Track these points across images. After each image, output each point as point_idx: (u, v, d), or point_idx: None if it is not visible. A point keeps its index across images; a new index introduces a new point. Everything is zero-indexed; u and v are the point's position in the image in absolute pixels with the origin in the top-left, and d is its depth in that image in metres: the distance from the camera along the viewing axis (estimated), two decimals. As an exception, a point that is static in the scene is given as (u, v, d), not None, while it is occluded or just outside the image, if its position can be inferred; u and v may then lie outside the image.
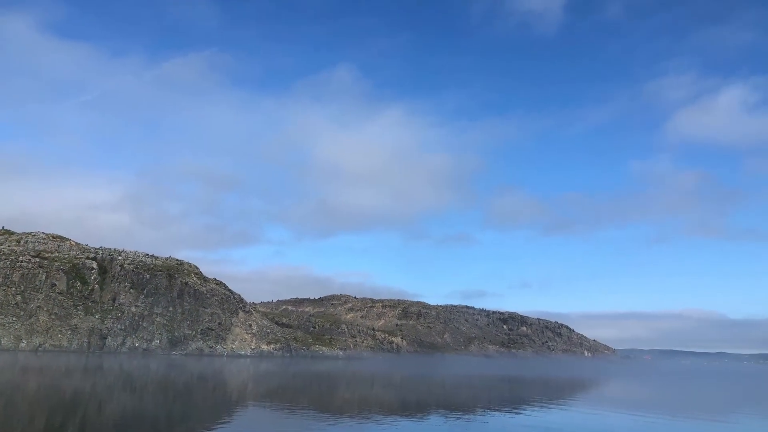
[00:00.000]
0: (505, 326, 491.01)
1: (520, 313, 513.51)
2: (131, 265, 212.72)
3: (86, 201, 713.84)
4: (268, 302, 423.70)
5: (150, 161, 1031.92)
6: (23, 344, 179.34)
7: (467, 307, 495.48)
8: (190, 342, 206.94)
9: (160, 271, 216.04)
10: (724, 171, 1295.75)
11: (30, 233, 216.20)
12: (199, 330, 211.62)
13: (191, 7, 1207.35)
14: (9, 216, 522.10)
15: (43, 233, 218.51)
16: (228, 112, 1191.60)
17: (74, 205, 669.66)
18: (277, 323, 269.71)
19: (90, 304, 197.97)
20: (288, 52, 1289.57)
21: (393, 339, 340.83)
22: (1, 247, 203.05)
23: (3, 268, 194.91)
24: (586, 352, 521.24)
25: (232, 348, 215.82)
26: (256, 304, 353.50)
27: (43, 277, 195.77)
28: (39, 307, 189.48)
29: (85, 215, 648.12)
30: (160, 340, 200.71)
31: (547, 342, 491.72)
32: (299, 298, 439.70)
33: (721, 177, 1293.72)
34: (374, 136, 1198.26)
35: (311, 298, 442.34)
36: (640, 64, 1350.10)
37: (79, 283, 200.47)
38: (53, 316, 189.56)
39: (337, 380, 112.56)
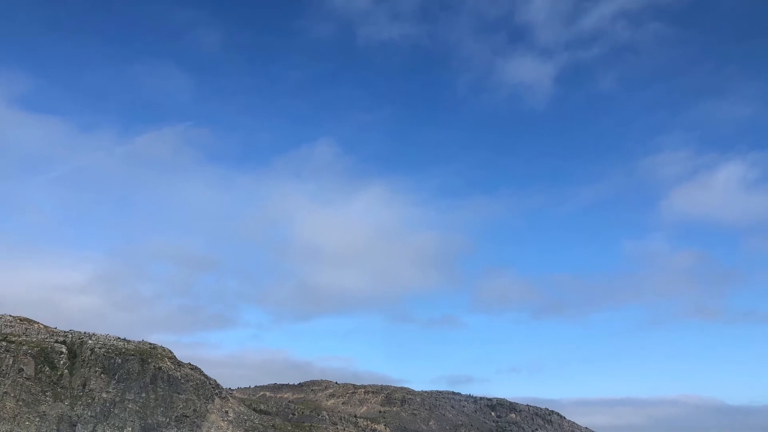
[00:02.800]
0: (493, 413, 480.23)
1: (509, 400, 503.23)
2: (102, 349, 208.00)
3: (55, 282, 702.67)
4: (246, 388, 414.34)
5: (122, 240, 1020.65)
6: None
7: (454, 393, 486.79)
8: (163, 430, 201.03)
9: (133, 355, 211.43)
10: (721, 250, 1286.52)
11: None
12: (173, 417, 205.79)
13: (165, 79, 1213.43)
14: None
15: (10, 316, 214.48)
16: (204, 189, 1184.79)
17: (42, 286, 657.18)
18: (254, 410, 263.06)
19: (59, 389, 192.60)
20: (266, 126, 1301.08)
21: (376, 426, 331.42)
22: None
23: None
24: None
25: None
26: (232, 389, 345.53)
27: (10, 361, 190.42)
28: (6, 393, 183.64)
29: (54, 297, 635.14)
30: (133, 428, 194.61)
31: (537, 429, 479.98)
32: (278, 383, 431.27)
33: (718, 257, 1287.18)
34: (356, 214, 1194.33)
35: (290, 383, 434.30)
36: (634, 139, 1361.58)
37: (47, 368, 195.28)
38: (21, 403, 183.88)
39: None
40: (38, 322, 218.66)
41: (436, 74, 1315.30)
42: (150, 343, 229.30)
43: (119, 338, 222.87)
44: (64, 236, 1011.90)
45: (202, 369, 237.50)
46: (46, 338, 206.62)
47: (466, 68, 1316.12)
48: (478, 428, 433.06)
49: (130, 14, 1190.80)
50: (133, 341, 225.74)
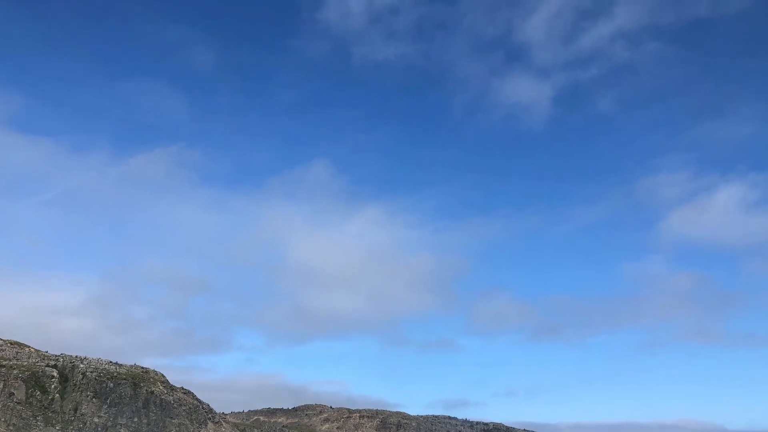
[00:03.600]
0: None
1: (506, 424, 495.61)
2: (94, 373, 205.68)
3: (46, 305, 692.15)
4: (239, 412, 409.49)
5: (114, 263, 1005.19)
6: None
7: (450, 417, 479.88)
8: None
9: (125, 379, 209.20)
10: (722, 273, 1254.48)
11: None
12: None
13: (157, 99, 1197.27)
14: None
15: (1, 339, 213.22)
16: (197, 210, 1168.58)
17: (33, 310, 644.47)
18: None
19: (50, 414, 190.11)
20: (260, 147, 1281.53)
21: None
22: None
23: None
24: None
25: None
26: (226, 414, 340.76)
27: (0, 385, 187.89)
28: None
29: (45, 320, 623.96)
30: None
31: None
32: (272, 408, 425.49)
33: (718, 279, 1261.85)
34: (351, 236, 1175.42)
35: (284, 407, 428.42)
36: (632, 160, 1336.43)
37: (38, 392, 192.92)
38: (11, 428, 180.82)
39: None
40: (29, 346, 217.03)
41: (431, 94, 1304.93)
42: (142, 367, 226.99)
43: (111, 362, 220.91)
44: (55, 258, 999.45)
45: (195, 393, 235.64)
46: (37, 362, 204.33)
47: (463, 88, 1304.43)
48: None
49: (122, 32, 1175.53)
50: (125, 365, 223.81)
